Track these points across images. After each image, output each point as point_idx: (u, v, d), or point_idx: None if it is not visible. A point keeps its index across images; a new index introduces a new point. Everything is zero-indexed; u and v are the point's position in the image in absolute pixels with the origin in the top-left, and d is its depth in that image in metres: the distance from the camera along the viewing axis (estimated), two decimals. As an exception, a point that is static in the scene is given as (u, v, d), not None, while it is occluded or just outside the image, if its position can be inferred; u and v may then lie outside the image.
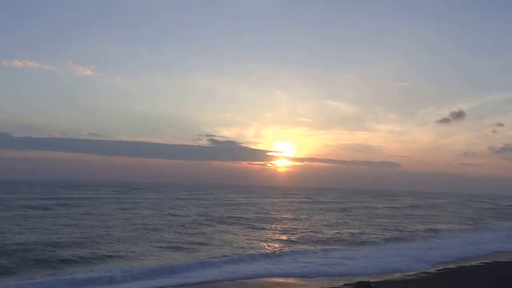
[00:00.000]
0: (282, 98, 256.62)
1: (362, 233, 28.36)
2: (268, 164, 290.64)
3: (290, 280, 15.03)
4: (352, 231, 29.52)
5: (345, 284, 13.92)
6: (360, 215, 45.25)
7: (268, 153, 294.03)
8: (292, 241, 24.63)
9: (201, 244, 21.97)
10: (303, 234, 27.13)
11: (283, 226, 31.75)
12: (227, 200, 66.86)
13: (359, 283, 13.04)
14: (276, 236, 26.18)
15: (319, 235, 26.40)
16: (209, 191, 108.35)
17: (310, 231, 28.68)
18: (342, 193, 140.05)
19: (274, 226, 31.77)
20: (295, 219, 38.33)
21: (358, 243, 24.55)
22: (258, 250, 20.17)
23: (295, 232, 28.70)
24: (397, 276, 15.99)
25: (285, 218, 39.43)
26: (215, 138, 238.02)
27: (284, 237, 26.07)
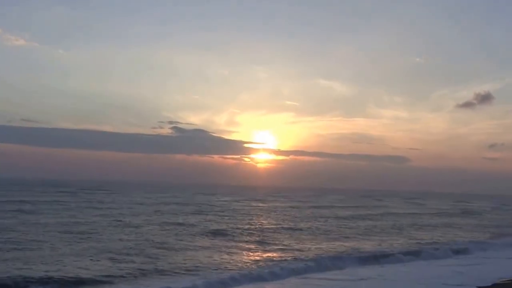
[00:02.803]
0: (262, 77, 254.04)
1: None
2: (245, 159, 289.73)
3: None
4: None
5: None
6: (387, 226, 45.21)
7: (245, 145, 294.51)
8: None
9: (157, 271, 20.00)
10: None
11: (283, 243, 30.55)
12: (197, 205, 65.85)
13: None
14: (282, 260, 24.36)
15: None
16: (172, 193, 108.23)
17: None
18: (341, 195, 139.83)
19: (270, 242, 30.58)
20: (296, 230, 37.44)
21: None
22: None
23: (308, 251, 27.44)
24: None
25: (279, 230, 38.36)
26: (180, 126, 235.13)
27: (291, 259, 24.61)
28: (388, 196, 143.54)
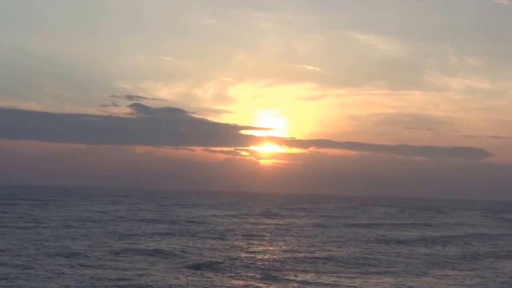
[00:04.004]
0: (267, 28, 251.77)
1: None
2: (242, 152, 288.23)
3: None
4: None
5: None
6: (464, 255, 45.25)
7: (242, 132, 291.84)
8: None
9: None
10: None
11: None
12: (173, 222, 66.16)
13: None
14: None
15: None
16: (133, 203, 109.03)
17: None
18: (389, 207, 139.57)
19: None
20: (323, 261, 37.22)
21: None
22: None
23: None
24: None
25: (296, 261, 38.25)
26: (143, 102, 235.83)
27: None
28: (458, 209, 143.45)
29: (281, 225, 70.47)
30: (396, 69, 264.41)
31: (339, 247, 45.83)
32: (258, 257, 38.60)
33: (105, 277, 28.36)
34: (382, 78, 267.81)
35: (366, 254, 42.22)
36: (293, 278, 30.74)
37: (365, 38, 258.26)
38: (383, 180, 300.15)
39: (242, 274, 31.67)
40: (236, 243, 47.25)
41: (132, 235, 49.43)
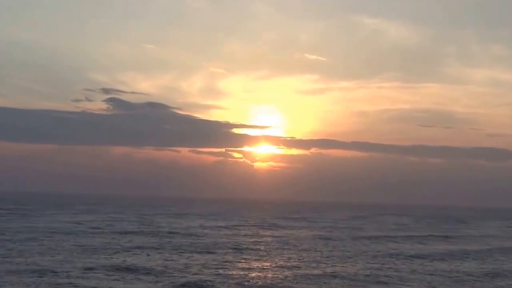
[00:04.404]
0: (263, 11, 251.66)
1: None
2: (235, 154, 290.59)
3: None
4: None
5: None
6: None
7: (235, 130, 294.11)
8: None
9: None
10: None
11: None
12: (155, 233, 66.12)
13: None
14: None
15: None
16: (109, 212, 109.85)
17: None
18: (404, 216, 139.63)
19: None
20: (331, 279, 37.60)
21: None
22: None
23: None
24: None
25: (300, 278, 38.41)
26: (122, 97, 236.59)
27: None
28: (481, 218, 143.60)
29: (278, 237, 70.48)
30: (409, 58, 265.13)
31: (345, 263, 45.88)
32: (252, 275, 38.55)
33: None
34: (394, 69, 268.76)
35: (376, 270, 42.28)
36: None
37: (374, 22, 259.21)
38: (395, 185, 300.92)
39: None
40: (227, 258, 47.20)
41: (107, 249, 49.45)
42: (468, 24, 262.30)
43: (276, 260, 47.39)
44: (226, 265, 42.79)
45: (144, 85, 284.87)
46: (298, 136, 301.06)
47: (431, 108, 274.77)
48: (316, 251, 54.92)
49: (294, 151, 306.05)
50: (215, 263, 43.73)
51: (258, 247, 57.45)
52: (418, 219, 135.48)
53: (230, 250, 52.60)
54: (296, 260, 47.83)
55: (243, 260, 46.10)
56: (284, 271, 40.58)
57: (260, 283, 35.40)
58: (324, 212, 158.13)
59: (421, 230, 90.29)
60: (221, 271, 39.24)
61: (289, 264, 44.88)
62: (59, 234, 61.49)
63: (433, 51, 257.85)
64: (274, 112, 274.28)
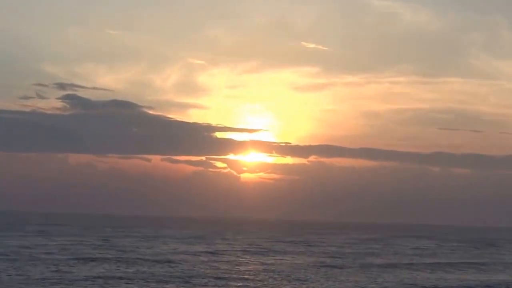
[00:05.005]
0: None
1: None
2: (218, 163, 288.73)
3: None
4: None
5: None
6: None
7: (217, 134, 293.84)
8: None
9: None
10: None
11: None
12: (122, 260, 66.41)
13: None
14: None
15: None
16: (65, 235, 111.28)
17: None
18: (425, 239, 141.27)
19: None
20: None
21: None
22: None
23: None
24: None
25: None
26: (80, 93, 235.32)
27: None
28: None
29: (270, 265, 70.56)
30: (428, 48, 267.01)
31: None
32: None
33: None
34: (409, 61, 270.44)
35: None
36: None
37: (385, 5, 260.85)
38: (412, 201, 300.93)
39: None
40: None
41: (61, 279, 49.34)
42: (497, 7, 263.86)
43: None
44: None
45: (108, 80, 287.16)
46: (294, 141, 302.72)
47: (454, 108, 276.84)
48: (316, 282, 54.94)
49: (289, 160, 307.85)
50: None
51: (246, 277, 57.55)
52: (441, 242, 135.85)
53: (211, 280, 52.65)
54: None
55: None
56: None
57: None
58: (326, 234, 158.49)
59: (445, 256, 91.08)
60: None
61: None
62: (1, 261, 61.25)
63: (456, 40, 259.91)
64: (265, 112, 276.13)
